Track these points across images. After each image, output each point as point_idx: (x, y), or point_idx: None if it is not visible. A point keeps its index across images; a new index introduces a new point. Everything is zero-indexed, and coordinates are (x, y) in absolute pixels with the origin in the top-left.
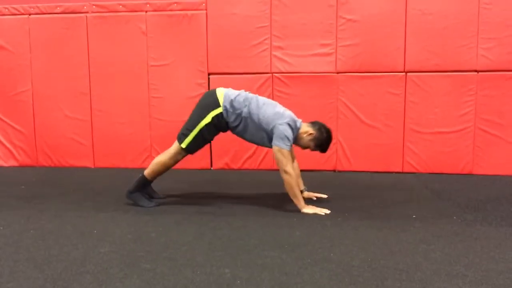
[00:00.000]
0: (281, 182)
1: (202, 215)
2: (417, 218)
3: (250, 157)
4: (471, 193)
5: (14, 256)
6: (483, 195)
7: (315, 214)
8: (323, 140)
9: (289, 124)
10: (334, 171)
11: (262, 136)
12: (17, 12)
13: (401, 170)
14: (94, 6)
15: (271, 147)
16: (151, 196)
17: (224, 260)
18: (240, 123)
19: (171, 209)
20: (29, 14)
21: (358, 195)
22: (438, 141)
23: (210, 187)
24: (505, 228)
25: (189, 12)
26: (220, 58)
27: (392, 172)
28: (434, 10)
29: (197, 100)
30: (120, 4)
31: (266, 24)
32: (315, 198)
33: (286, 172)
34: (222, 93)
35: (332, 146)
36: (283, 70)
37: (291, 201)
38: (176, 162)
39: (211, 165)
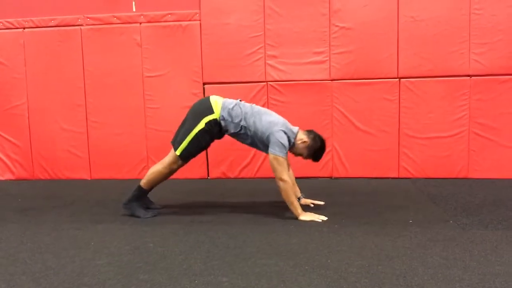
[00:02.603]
0: (278, 190)
1: (199, 224)
2: (413, 223)
3: (246, 165)
4: (467, 197)
5: (11, 269)
6: (479, 199)
7: (312, 221)
8: (316, 149)
9: (284, 131)
10: (331, 177)
11: (261, 143)
12: (12, 26)
13: (397, 176)
14: (88, 19)
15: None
16: (147, 206)
17: (222, 269)
18: (239, 131)
19: (168, 219)
20: (24, 28)
21: (354, 202)
22: (433, 146)
23: (207, 196)
24: (501, 231)
25: (183, 23)
26: (214, 68)
27: (388, 178)
28: (425, 16)
29: None
30: (114, 16)
31: (260, 33)
32: (312, 205)
33: (282, 179)
34: (218, 102)
35: (326, 154)
36: (278, 79)
37: (288, 208)
38: (172, 171)
39: (208, 174)
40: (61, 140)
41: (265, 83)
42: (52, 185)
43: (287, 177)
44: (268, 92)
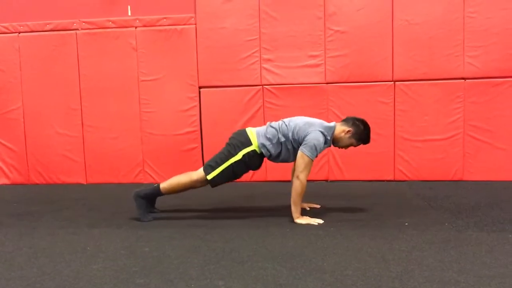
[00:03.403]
0: (274, 194)
1: (196, 228)
2: (409, 226)
3: None
4: (462, 199)
5: (7, 274)
6: (474, 201)
7: (308, 225)
8: (362, 133)
9: (320, 131)
10: (327, 181)
11: None
12: (7, 31)
13: (392, 178)
14: (84, 23)
15: None
16: (150, 210)
17: (218, 273)
18: (281, 150)
19: (164, 223)
20: (19, 33)
21: (350, 204)
22: (429, 149)
23: (203, 200)
24: (496, 233)
25: (178, 27)
26: (210, 72)
27: (384, 181)
28: (420, 20)
29: (188, 113)
30: (109, 21)
31: (255, 37)
32: (308, 208)
33: (299, 178)
34: (253, 132)
35: (322, 157)
36: (273, 82)
37: (284, 211)
38: (193, 187)
39: None
40: (56, 145)
41: (260, 86)
42: (48, 189)
43: (304, 177)
44: (264, 95)
